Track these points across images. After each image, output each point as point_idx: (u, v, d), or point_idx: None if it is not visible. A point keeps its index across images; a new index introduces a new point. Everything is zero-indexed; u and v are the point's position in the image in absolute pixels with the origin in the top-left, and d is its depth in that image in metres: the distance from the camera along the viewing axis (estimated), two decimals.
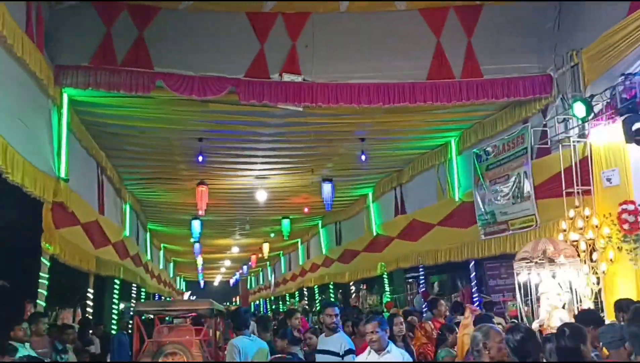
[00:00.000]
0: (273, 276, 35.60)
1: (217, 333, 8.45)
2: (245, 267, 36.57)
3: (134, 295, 17.01)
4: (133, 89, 7.68)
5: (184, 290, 46.27)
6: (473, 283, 10.51)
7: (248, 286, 50.36)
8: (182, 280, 43.50)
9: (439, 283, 14.65)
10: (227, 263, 33.52)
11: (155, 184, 13.96)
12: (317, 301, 24.66)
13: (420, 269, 12.72)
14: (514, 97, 8.42)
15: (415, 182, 12.83)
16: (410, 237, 13.13)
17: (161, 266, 25.51)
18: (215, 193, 14.10)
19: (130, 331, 10.91)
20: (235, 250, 25.95)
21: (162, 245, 25.48)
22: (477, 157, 9.98)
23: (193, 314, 7.84)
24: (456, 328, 6.33)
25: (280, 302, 35.51)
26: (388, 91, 8.14)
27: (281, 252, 31.05)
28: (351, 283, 18.39)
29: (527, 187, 8.53)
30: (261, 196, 13.66)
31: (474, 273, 10.53)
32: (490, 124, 9.73)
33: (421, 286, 12.90)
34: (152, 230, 20.86)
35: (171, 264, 32.05)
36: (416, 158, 12.36)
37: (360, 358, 5.00)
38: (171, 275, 32.21)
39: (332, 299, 20.90)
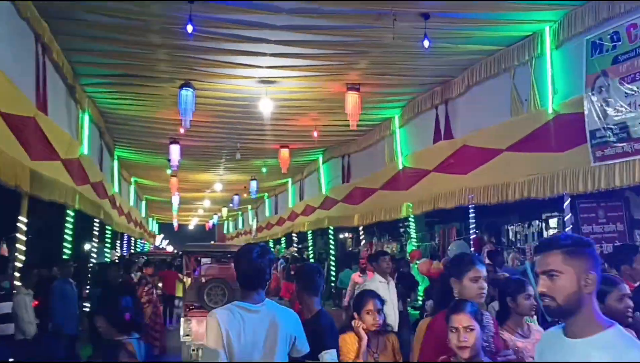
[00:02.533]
0: (255, 220, 32.60)
1: None
2: (225, 210, 33.44)
3: (96, 233, 13.81)
4: None
5: (157, 232, 43.16)
6: (568, 229, 7.50)
7: (225, 231, 47.54)
8: (154, 221, 40.25)
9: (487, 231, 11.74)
10: (207, 203, 30.29)
11: (124, 87, 10.54)
12: (310, 248, 21.79)
13: (471, 210, 9.70)
14: None
15: (473, 94, 9.71)
16: (457, 168, 10.10)
17: (131, 204, 22.23)
18: (204, 103, 10.78)
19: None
20: (217, 188, 22.69)
21: (133, 178, 22.12)
22: (594, 47, 6.87)
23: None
24: None
25: None
26: None
27: (266, 194, 28.00)
28: (361, 228, 15.40)
29: None
30: (266, 107, 10.35)
31: (569, 215, 7.52)
32: None
33: (471, 232, 9.92)
34: (121, 158, 17.47)
35: (143, 203, 28.75)
36: (481, 60, 9.17)
37: None
38: (143, 215, 28.96)
39: (333, 246, 18.02)
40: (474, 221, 9.79)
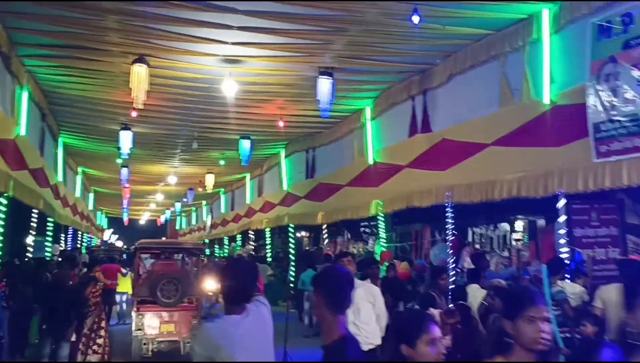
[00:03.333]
0: (210, 216, 31.37)
1: None
2: (178, 204, 32.04)
3: (33, 225, 12.50)
4: None
5: (106, 227, 41.26)
6: (562, 231, 6.82)
7: (177, 227, 45.94)
8: (103, 215, 38.40)
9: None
10: (159, 197, 28.85)
11: (69, 61, 9.35)
12: (267, 247, 20.84)
13: (449, 207, 8.97)
14: None
15: (455, 84, 8.97)
16: (434, 164, 9.37)
17: (78, 195, 20.75)
18: (159, 84, 9.72)
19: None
20: (171, 181, 21.42)
21: (79, 168, 20.64)
22: (601, 30, 6.22)
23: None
24: None
25: (217, 246, 31.53)
26: None
27: (222, 189, 26.85)
28: (324, 226, 14.56)
29: None
30: (229, 91, 9.33)
31: (564, 217, 6.85)
32: None
33: (447, 232, 9.19)
34: (66, 145, 16.09)
35: (91, 194, 27.13)
36: (467, 45, 8.43)
37: None
38: (91, 208, 27.34)
39: (292, 244, 17.12)
40: (452, 221, 9.06)
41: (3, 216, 9.34)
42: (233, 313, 3.21)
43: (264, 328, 3.33)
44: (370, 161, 11.73)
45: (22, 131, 9.74)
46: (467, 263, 9.45)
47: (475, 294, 6.25)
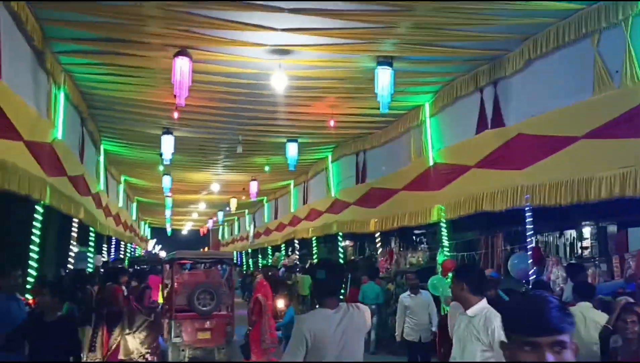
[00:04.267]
0: (253, 225, 30.71)
1: None
2: (221, 214, 31.51)
3: (74, 234, 11.91)
4: None
5: (149, 237, 41.15)
6: None
7: (220, 237, 45.55)
8: (146, 225, 38.22)
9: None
10: (202, 206, 28.35)
11: (106, 57, 8.65)
12: (314, 257, 19.91)
13: (527, 212, 7.90)
14: None
15: (534, 70, 7.89)
16: (508, 163, 8.32)
17: (121, 204, 20.31)
18: (201, 81, 8.98)
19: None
20: (214, 189, 20.78)
21: (122, 177, 20.22)
22: None
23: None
24: None
25: (260, 256, 30.82)
26: None
27: (265, 198, 26.15)
28: (377, 234, 13.57)
29: None
30: (279, 85, 8.49)
31: None
32: None
33: (528, 241, 8.11)
34: (108, 153, 15.60)
35: (134, 205, 26.80)
36: (550, 25, 7.36)
37: None
38: (134, 218, 27.00)
39: (342, 254, 16.17)
40: (531, 226, 7.98)
41: (39, 225, 8.71)
42: (324, 307, 3.69)
43: (353, 327, 3.69)
44: (430, 163, 10.72)
45: (59, 134, 9.13)
46: (555, 275, 8.32)
47: (588, 314, 5.16)
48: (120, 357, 8.64)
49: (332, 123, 11.05)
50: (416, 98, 10.73)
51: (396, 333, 9.18)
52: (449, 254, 10.50)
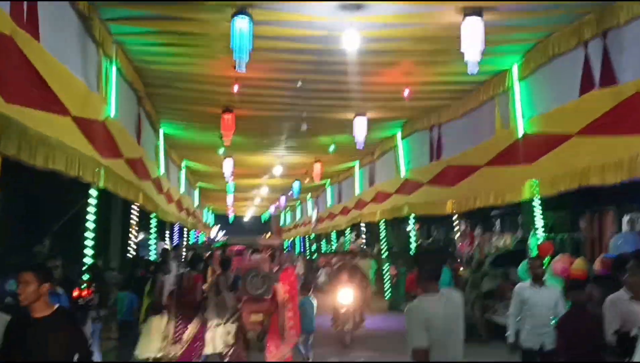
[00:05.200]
0: (316, 210, 29.94)
1: None
2: (283, 199, 30.87)
3: (134, 221, 11.37)
4: None
5: (213, 224, 41.16)
6: None
7: (281, 223, 45.13)
8: (209, 211, 38.14)
9: None
10: (264, 191, 27.76)
11: (160, 23, 7.85)
12: (382, 241, 18.88)
13: None
14: None
15: None
16: (623, 127, 7.00)
17: (183, 190, 19.90)
18: (262, 48, 8.06)
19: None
20: (276, 172, 20.01)
21: (183, 162, 19.79)
22: None
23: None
24: None
25: (324, 241, 30.06)
26: None
27: (327, 181, 25.28)
28: (455, 216, 12.42)
29: None
30: (351, 44, 7.47)
31: None
32: None
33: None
34: (167, 136, 15.06)
35: (196, 191, 26.51)
36: None
37: None
38: (196, 204, 26.72)
39: (414, 237, 15.10)
40: None
41: (94, 210, 8.09)
42: (429, 293, 3.85)
43: (456, 311, 3.87)
44: (519, 133, 9.47)
45: (112, 112, 8.46)
46: None
47: None
48: (207, 351, 8.12)
49: (407, 92, 9.94)
50: (502, 60, 9.47)
51: (508, 334, 6.79)
52: (544, 236, 9.25)
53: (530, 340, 6.38)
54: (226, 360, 8.15)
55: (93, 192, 8.00)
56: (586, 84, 7.79)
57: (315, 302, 10.12)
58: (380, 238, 18.93)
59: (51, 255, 6.30)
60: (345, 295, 11.33)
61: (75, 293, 6.47)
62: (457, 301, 3.95)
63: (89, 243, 7.96)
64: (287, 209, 39.38)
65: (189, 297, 8.50)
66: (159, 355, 8.15)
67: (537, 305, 6.41)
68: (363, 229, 21.14)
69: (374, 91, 10.68)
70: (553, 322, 6.26)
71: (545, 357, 6.21)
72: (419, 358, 3.63)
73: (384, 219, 17.68)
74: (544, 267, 6.56)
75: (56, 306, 3.75)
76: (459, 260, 12.00)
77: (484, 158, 10.63)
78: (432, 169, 13.05)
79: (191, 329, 8.29)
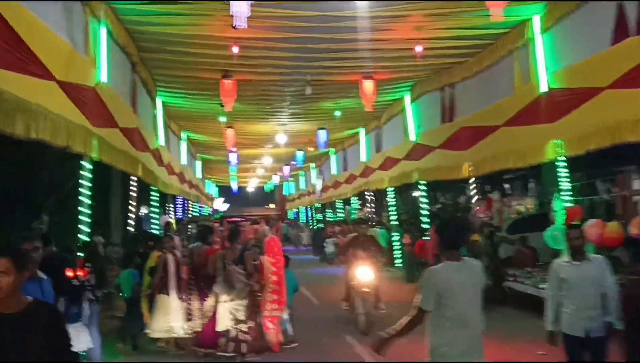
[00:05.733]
0: (321, 179, 29.36)
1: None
2: (287, 168, 30.26)
3: (132, 194, 10.82)
4: None
5: (216, 195, 40.67)
6: None
7: (284, 192, 44.63)
8: (212, 183, 37.61)
9: None
10: (267, 161, 27.15)
11: None
12: (390, 209, 18.34)
13: None
14: None
15: None
16: None
17: (184, 162, 19.32)
18: (261, 2, 7.39)
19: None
20: (280, 141, 19.35)
21: (183, 133, 19.15)
22: None
23: None
24: None
25: (330, 210, 29.58)
26: None
27: (332, 149, 24.64)
28: (471, 181, 11.84)
29: None
30: None
31: None
32: None
33: None
34: (166, 105, 14.40)
35: (198, 162, 25.92)
36: None
37: None
38: (199, 177, 26.16)
39: (425, 204, 14.54)
40: None
41: (88, 183, 7.53)
42: (450, 260, 3.90)
43: (475, 279, 3.93)
44: (542, 89, 8.82)
45: (103, 77, 7.82)
46: None
47: None
48: (218, 329, 7.59)
49: (418, 49, 9.25)
50: (521, 11, 8.76)
51: (546, 317, 5.21)
52: (570, 199, 8.68)
53: (572, 326, 5.05)
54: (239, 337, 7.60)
55: (86, 164, 7.43)
56: (619, 33, 7.12)
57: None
58: (389, 205, 18.41)
59: (25, 235, 5.65)
60: (365, 273, 9.24)
61: (70, 274, 5.94)
62: (477, 270, 3.98)
63: (84, 218, 7.42)
64: (291, 179, 38.81)
65: (202, 271, 8.07)
66: (173, 335, 7.77)
67: (580, 284, 5.02)
68: (369, 197, 20.58)
69: (381, 49, 9.98)
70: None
71: (594, 344, 4.98)
72: (417, 316, 3.82)
73: (393, 187, 17.14)
74: (584, 238, 5.21)
75: (30, 300, 2.93)
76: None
77: (501, 118, 10.01)
78: (444, 132, 12.42)
79: (208, 304, 7.86)
